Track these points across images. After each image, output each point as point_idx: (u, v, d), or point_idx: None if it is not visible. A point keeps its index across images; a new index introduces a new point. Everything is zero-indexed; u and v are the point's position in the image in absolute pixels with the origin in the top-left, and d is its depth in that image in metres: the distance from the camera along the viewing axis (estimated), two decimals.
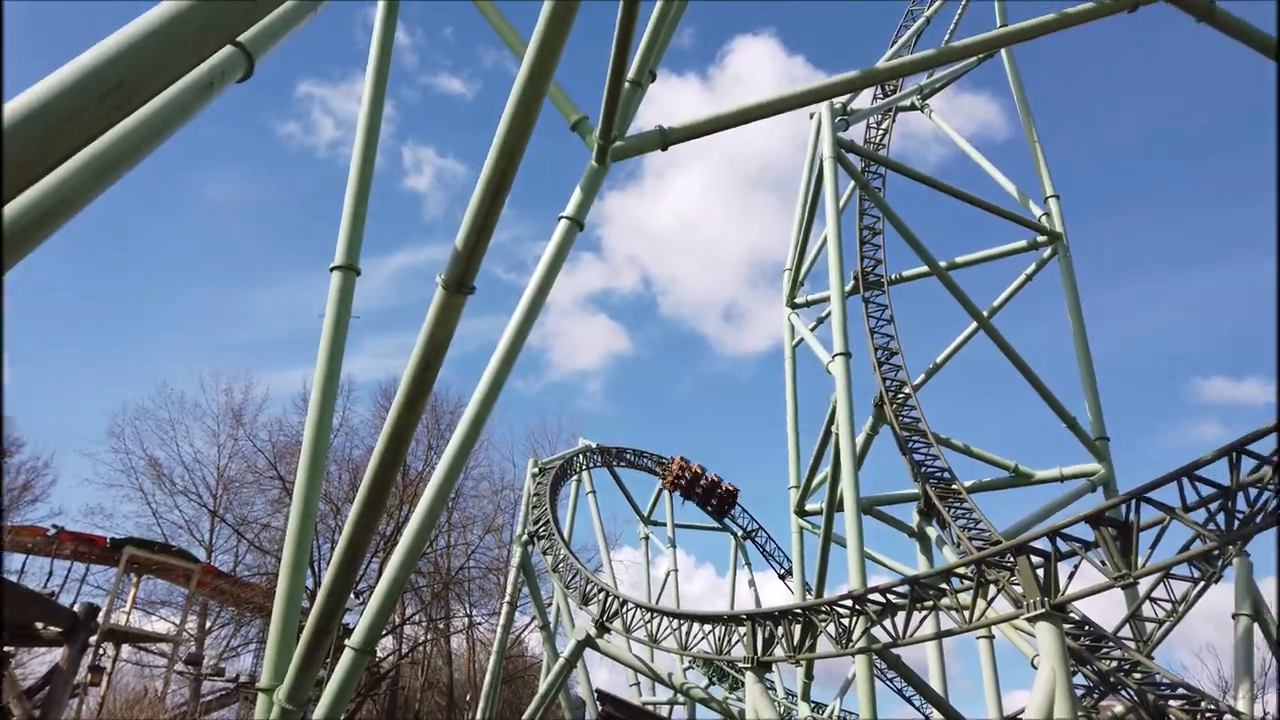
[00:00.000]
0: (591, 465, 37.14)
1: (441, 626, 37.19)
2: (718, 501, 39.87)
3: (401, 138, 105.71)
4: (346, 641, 9.24)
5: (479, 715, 28.61)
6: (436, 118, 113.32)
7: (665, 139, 10.79)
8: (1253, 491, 13.39)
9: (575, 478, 35.88)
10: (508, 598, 31.03)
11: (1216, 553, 15.64)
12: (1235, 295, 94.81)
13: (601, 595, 24.17)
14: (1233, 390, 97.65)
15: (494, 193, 6.66)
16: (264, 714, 9.13)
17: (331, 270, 10.85)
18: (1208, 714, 15.80)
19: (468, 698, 37.21)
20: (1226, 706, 16.71)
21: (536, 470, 32.74)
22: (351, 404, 41.61)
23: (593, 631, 23.66)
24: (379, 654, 32.25)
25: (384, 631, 29.03)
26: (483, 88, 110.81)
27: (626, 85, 10.29)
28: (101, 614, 24.42)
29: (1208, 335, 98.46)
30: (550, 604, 31.83)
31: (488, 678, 29.82)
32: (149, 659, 34.43)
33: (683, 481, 39.57)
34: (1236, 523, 13.49)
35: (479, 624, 38.70)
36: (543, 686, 26.29)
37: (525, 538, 30.39)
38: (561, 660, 24.55)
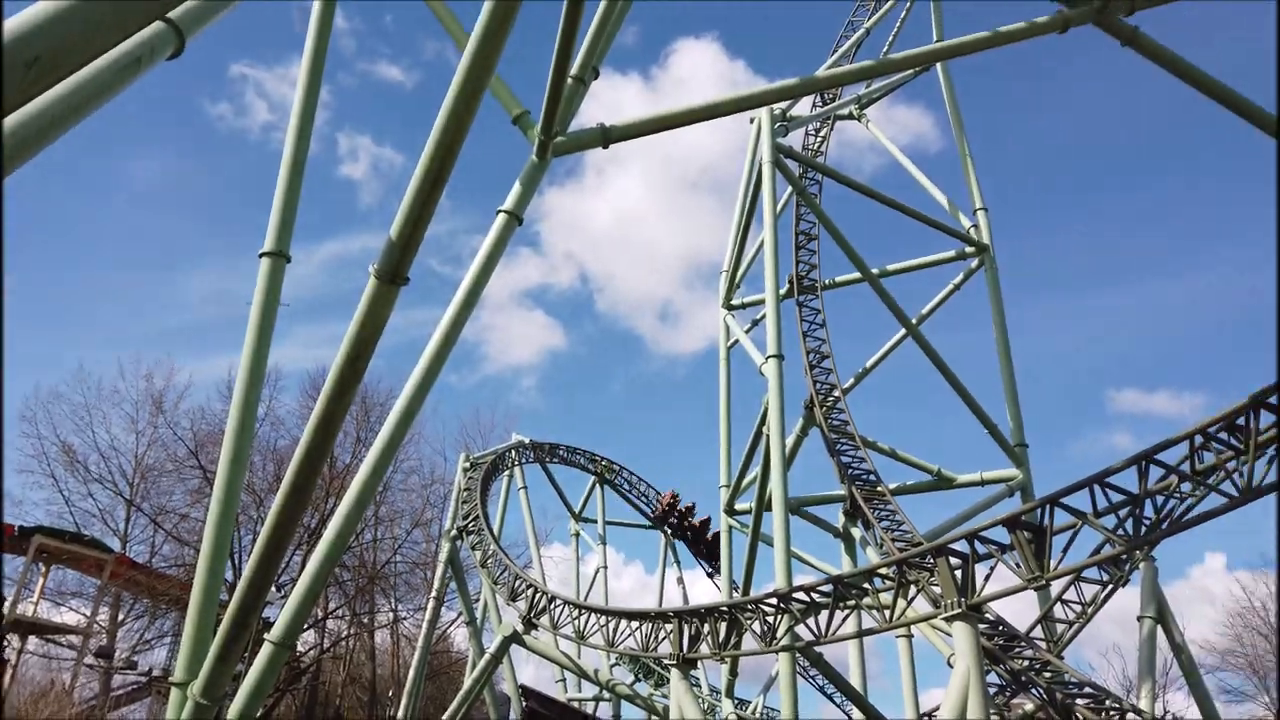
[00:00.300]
0: (524, 461, 36.97)
1: (365, 621, 36.61)
2: (705, 547, 39.26)
3: (337, 124, 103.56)
4: (266, 635, 9.06)
5: (402, 711, 28.25)
6: (374, 106, 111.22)
7: (607, 137, 10.81)
8: (1160, 499, 14.01)
9: (507, 473, 35.68)
10: (434, 593, 30.71)
11: (1124, 557, 16.28)
12: (1147, 312, 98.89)
13: (530, 591, 24.09)
14: (1144, 402, 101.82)
15: (431, 183, 6.60)
16: (177, 709, 8.90)
17: (261, 256, 10.60)
18: (1112, 712, 16.46)
19: (390, 694, 36.71)
20: (1130, 705, 17.44)
21: (468, 465, 32.46)
22: (278, 394, 40.58)
23: (520, 628, 23.58)
24: (300, 648, 31.60)
25: (306, 626, 28.46)
26: (423, 77, 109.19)
27: (569, 81, 10.29)
28: (7, 604, 23.43)
29: (1121, 349, 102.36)
30: (477, 600, 31.59)
31: (411, 673, 29.47)
32: (57, 651, 33.14)
33: (672, 518, 39.33)
34: (1144, 529, 14.11)
35: (404, 619, 38.24)
36: (467, 683, 26.10)
37: (454, 532, 30.10)
38: (487, 656, 24.41)
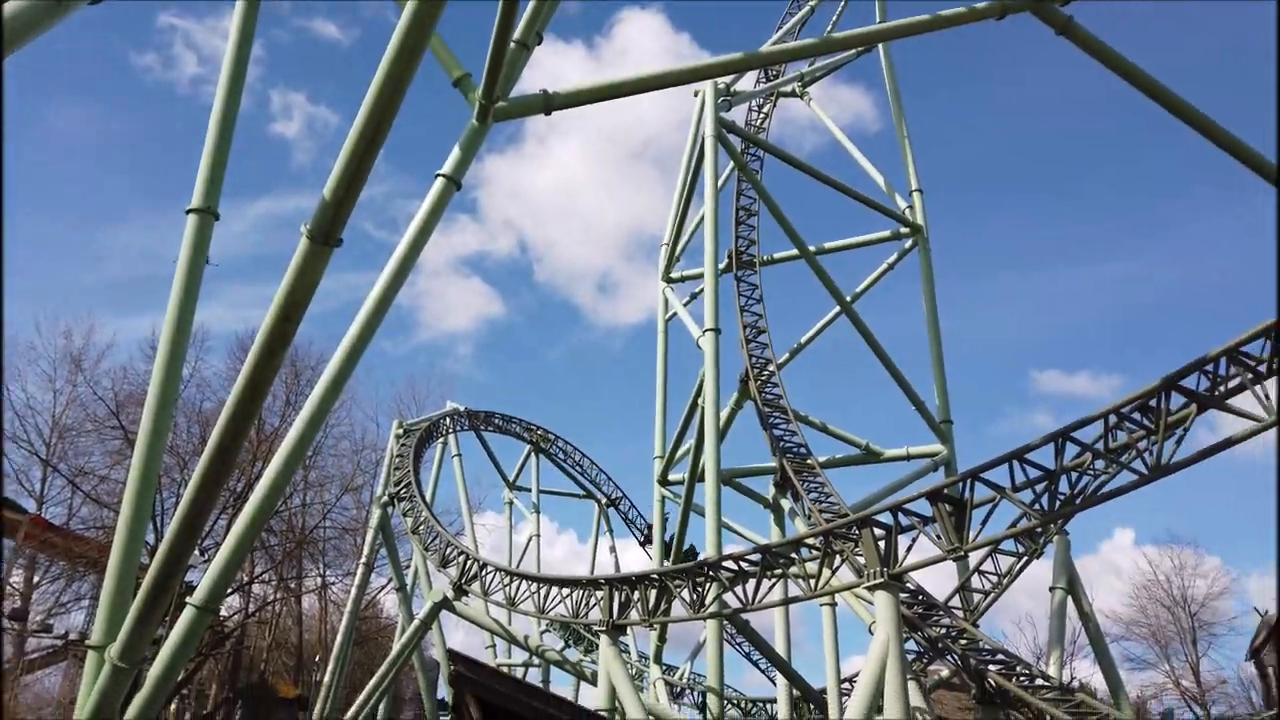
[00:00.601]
0: (458, 429, 36.73)
1: (293, 586, 36.15)
2: None
3: (271, 81, 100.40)
4: (188, 599, 8.91)
5: (328, 676, 28.06)
6: (309, 63, 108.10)
7: (549, 103, 10.71)
8: (1074, 475, 14.59)
9: (441, 440, 35.42)
10: (364, 559, 30.45)
11: (1039, 530, 16.98)
12: (1070, 296, 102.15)
13: (461, 558, 24.07)
14: (1065, 383, 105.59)
15: (367, 144, 6.49)
16: (94, 672, 8.72)
17: (188, 213, 10.28)
18: (1022, 677, 17.21)
19: (317, 658, 36.41)
20: (1039, 671, 18.26)
21: (401, 431, 32.12)
22: (205, 355, 39.44)
23: (450, 594, 23.57)
24: (224, 613, 31.08)
25: (230, 590, 28.00)
26: (361, 35, 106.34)
27: (512, 45, 10.14)
28: None
29: (1045, 332, 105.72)
30: (408, 566, 31.43)
31: (339, 638, 29.26)
32: None
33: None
34: (1058, 503, 14.69)
35: (332, 584, 37.85)
36: (396, 648, 26.03)
37: (385, 499, 29.84)
38: (416, 622, 24.36)
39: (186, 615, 8.78)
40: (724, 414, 24.49)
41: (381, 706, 27.90)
